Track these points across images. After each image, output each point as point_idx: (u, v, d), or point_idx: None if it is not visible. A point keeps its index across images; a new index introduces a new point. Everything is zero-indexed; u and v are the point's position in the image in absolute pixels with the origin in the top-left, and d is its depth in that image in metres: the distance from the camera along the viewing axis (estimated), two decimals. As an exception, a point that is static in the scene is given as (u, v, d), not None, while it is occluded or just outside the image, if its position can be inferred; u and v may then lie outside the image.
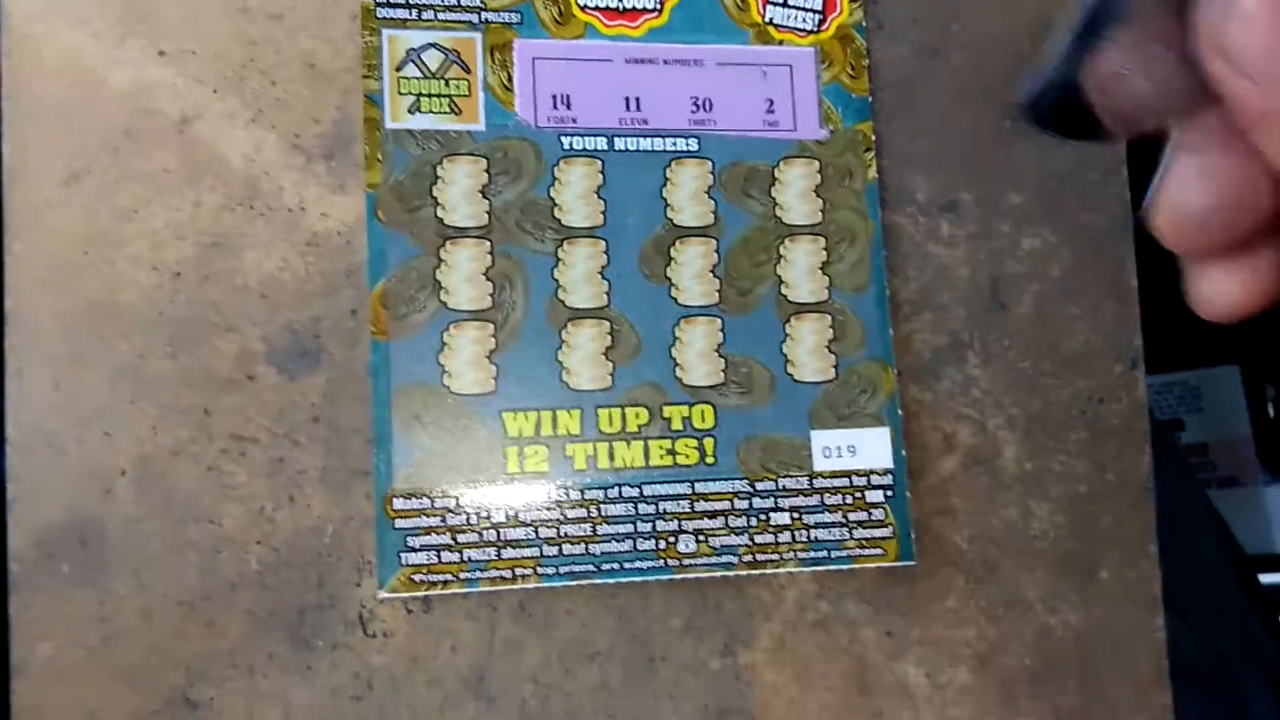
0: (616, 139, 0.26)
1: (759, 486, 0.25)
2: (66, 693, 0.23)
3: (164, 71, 0.25)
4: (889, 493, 0.26)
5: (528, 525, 0.25)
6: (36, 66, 0.24)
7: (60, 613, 0.23)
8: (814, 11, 0.27)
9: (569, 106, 0.26)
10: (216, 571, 0.24)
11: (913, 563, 0.26)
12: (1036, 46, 0.30)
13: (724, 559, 0.25)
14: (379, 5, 0.25)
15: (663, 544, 0.25)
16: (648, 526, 0.25)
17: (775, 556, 0.25)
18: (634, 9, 0.26)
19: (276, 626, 0.24)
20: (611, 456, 0.25)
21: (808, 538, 0.25)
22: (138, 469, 0.24)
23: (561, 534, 0.25)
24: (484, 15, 0.26)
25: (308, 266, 0.25)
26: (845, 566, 0.26)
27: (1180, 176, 0.14)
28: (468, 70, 0.25)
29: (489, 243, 0.25)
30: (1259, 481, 0.77)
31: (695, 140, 0.26)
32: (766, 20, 0.27)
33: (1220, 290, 0.15)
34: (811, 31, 0.27)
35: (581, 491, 0.25)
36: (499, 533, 0.24)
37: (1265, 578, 0.49)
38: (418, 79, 0.25)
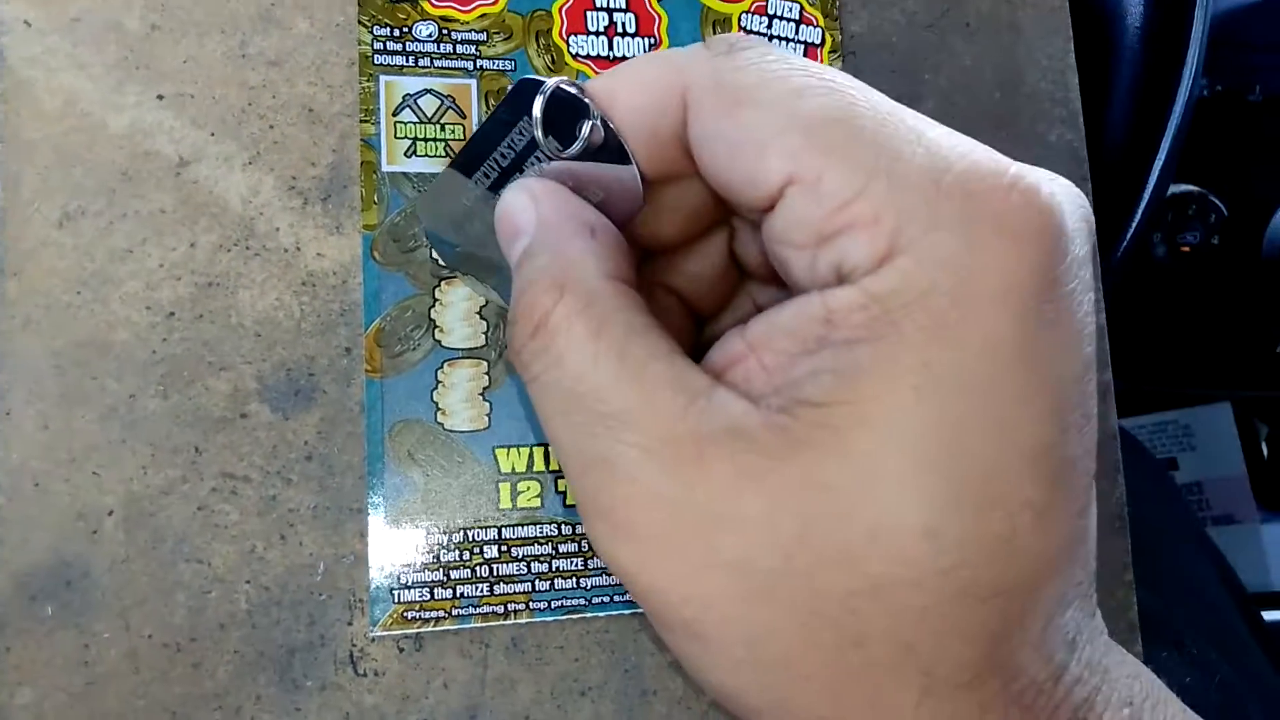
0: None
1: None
2: (48, 740, 0.23)
3: (162, 115, 0.25)
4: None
5: (520, 561, 0.25)
6: (34, 110, 0.24)
7: (42, 657, 0.23)
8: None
9: (561, 149, 0.26)
10: (205, 612, 0.24)
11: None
12: (1006, 97, 0.31)
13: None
14: (376, 53, 0.26)
15: (655, 579, 0.25)
16: (640, 562, 0.25)
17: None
18: (625, 56, 0.27)
19: (265, 667, 0.24)
20: (603, 492, 0.25)
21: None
22: (126, 509, 0.24)
23: (553, 568, 0.25)
24: (479, 63, 0.26)
25: (302, 306, 0.25)
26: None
27: None
28: (463, 115, 0.26)
29: (482, 281, 0.26)
30: (1255, 519, 0.76)
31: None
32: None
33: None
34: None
35: (574, 526, 0.25)
36: (492, 568, 0.24)
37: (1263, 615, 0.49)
38: (414, 123, 0.26)
